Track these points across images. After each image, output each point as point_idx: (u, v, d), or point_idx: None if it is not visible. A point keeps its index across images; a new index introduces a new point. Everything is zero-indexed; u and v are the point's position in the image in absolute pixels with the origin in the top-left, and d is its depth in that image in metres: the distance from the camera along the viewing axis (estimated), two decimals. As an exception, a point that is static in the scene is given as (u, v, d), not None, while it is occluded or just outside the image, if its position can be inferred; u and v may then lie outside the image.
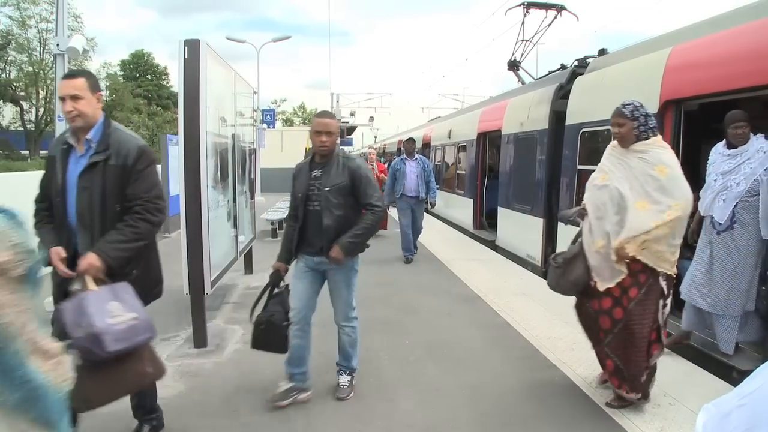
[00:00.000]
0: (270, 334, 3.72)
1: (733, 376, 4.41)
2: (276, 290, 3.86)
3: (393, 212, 10.28)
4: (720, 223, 4.39)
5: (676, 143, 5.35)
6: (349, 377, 4.14)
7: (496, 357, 4.79)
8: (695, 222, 4.80)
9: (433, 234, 8.80)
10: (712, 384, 4.20)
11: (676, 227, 3.51)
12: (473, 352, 4.93)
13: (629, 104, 3.70)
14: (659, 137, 3.72)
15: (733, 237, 4.35)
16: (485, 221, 12.20)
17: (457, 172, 14.31)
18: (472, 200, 12.56)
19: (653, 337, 3.66)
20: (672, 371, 4.39)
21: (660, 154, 3.61)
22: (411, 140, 9.78)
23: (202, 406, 3.83)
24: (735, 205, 4.30)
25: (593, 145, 7.08)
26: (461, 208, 13.50)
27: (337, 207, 3.73)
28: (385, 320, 5.84)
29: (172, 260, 8.15)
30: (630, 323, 3.59)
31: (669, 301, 3.69)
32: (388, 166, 11.35)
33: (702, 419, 1.29)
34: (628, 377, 3.68)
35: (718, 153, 4.56)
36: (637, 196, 3.55)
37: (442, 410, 3.81)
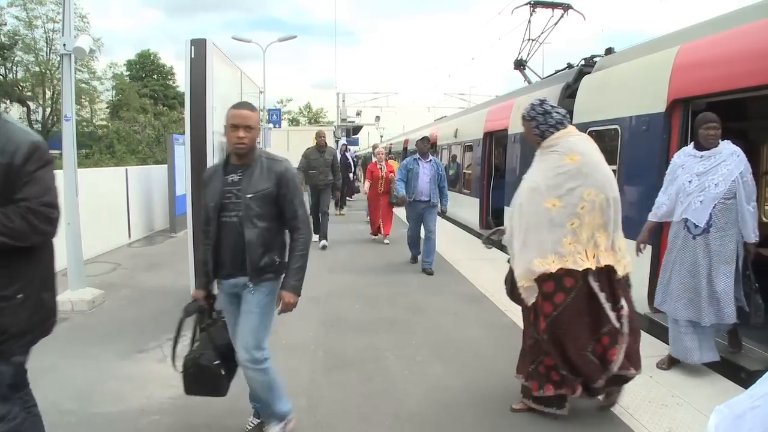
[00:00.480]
0: (202, 377, 3.23)
1: (741, 376, 4.38)
2: (208, 321, 3.34)
3: (400, 212, 10.16)
4: (697, 226, 4.19)
5: (684, 142, 5.32)
6: (281, 425, 3.39)
7: (503, 357, 4.77)
8: (646, 230, 4.66)
9: (439, 234, 8.78)
10: (720, 384, 4.17)
11: (597, 216, 3.37)
12: (480, 352, 4.92)
13: (528, 105, 3.64)
14: (570, 128, 3.59)
15: (708, 241, 4.17)
16: (492, 221, 12.18)
17: (464, 171, 14.28)
18: (478, 200, 12.54)
19: (605, 342, 3.45)
20: (679, 371, 4.37)
21: (571, 143, 3.50)
22: (425, 139, 8.77)
23: (209, 406, 3.81)
24: (713, 207, 4.14)
25: (601, 145, 6.99)
26: (467, 207, 13.47)
27: (260, 217, 3.08)
28: (391, 320, 5.84)
29: (178, 259, 8.28)
30: (560, 326, 3.42)
31: (624, 302, 3.46)
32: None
33: (714, 421, 1.28)
34: (579, 374, 3.49)
35: (689, 155, 4.38)
36: (546, 194, 3.43)
37: (449, 410, 3.80)
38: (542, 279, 3.44)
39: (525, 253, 3.48)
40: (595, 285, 3.43)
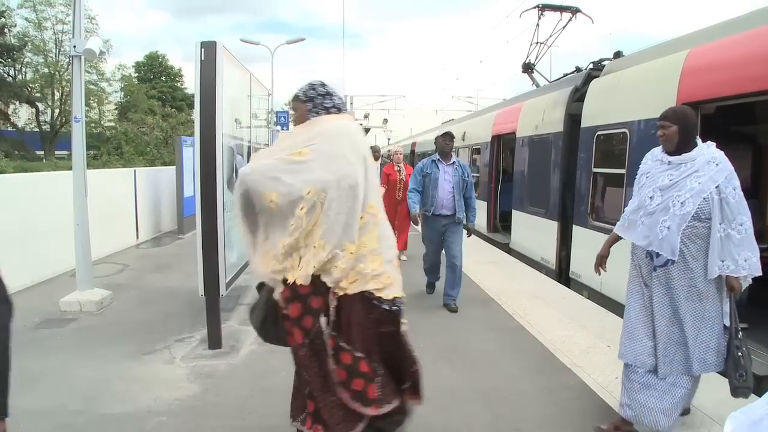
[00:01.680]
0: None
1: (751, 382, 4.35)
2: None
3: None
4: (659, 255, 3.24)
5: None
6: None
7: (511, 360, 4.77)
8: (607, 243, 3.77)
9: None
10: (729, 389, 4.14)
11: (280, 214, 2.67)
12: (487, 355, 4.90)
13: (306, 85, 3.00)
14: (332, 115, 2.92)
15: (670, 275, 3.24)
16: (499, 224, 12.17)
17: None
18: (486, 203, 12.53)
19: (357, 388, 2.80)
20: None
21: (312, 130, 2.85)
22: (448, 135, 6.66)
23: (217, 408, 3.83)
24: (680, 233, 3.16)
25: (609, 148, 7.04)
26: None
27: None
28: (398, 323, 5.82)
29: (185, 261, 8.31)
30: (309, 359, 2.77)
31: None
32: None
33: (730, 427, 1.27)
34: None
35: (656, 159, 3.40)
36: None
37: (457, 413, 3.80)
38: (286, 298, 2.72)
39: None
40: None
